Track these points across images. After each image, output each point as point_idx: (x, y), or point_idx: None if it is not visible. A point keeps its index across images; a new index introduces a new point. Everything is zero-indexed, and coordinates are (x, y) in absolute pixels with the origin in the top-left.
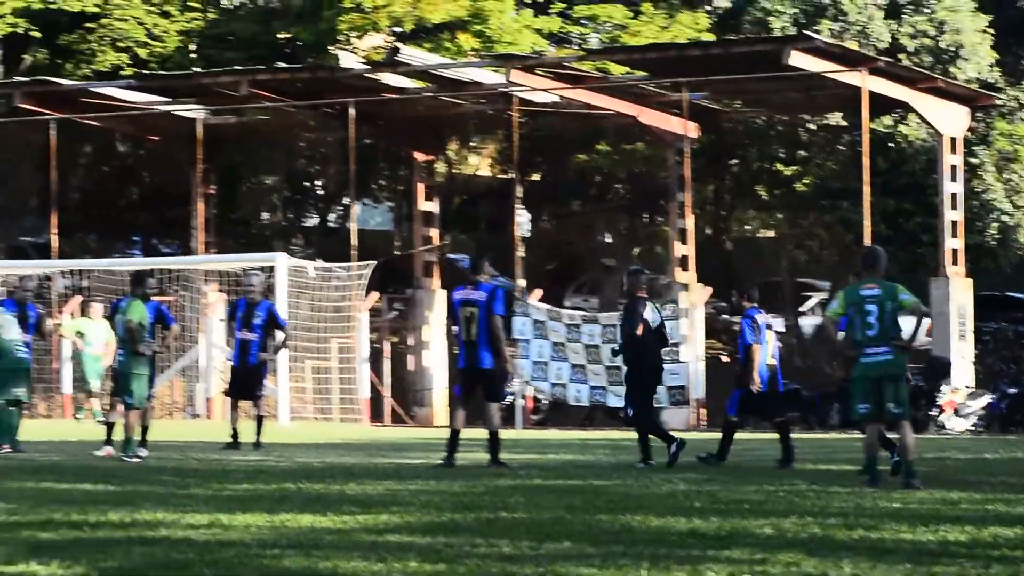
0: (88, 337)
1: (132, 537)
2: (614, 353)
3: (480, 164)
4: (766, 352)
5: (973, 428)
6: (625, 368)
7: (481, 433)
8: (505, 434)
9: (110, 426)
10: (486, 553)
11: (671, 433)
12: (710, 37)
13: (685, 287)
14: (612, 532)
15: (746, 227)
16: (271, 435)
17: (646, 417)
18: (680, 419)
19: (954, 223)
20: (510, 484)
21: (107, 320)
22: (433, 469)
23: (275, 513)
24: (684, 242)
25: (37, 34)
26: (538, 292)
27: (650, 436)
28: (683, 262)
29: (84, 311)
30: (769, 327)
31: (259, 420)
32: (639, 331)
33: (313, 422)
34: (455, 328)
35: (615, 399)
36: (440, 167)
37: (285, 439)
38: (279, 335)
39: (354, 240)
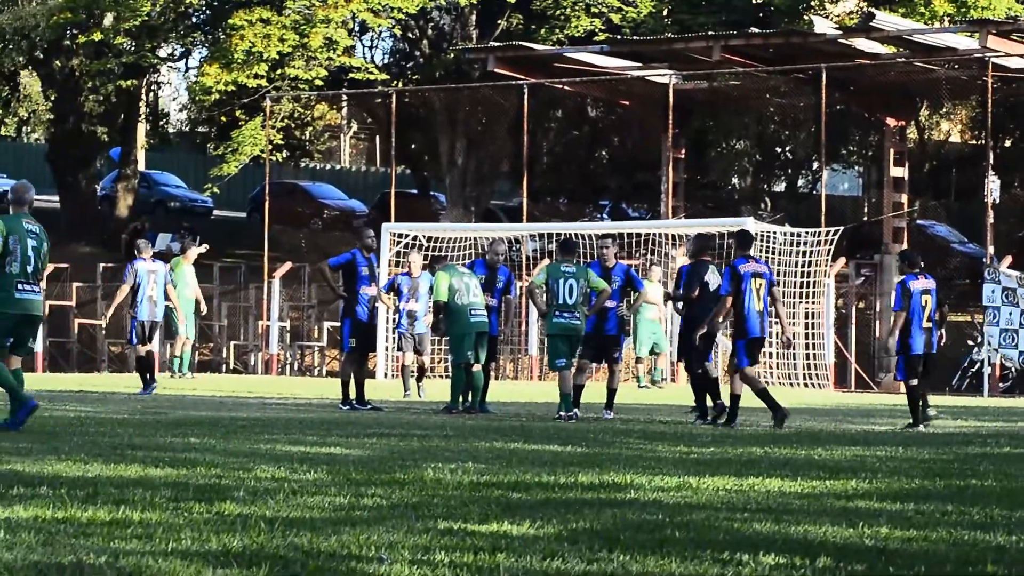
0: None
1: (602, 498)
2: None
3: (951, 130)
4: (922, 316)
5: None
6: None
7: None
8: (973, 401)
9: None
10: (957, 520)
11: (717, 400)
12: None
13: None
14: None
15: None
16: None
17: (698, 374)
18: None
19: None
20: (979, 452)
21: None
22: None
23: (743, 477)
24: None
25: (512, 0)
26: (1008, 259)
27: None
28: None
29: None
30: (927, 292)
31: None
32: (695, 293)
33: (778, 387)
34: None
35: None
36: (911, 133)
37: (752, 404)
38: None
39: (823, 205)
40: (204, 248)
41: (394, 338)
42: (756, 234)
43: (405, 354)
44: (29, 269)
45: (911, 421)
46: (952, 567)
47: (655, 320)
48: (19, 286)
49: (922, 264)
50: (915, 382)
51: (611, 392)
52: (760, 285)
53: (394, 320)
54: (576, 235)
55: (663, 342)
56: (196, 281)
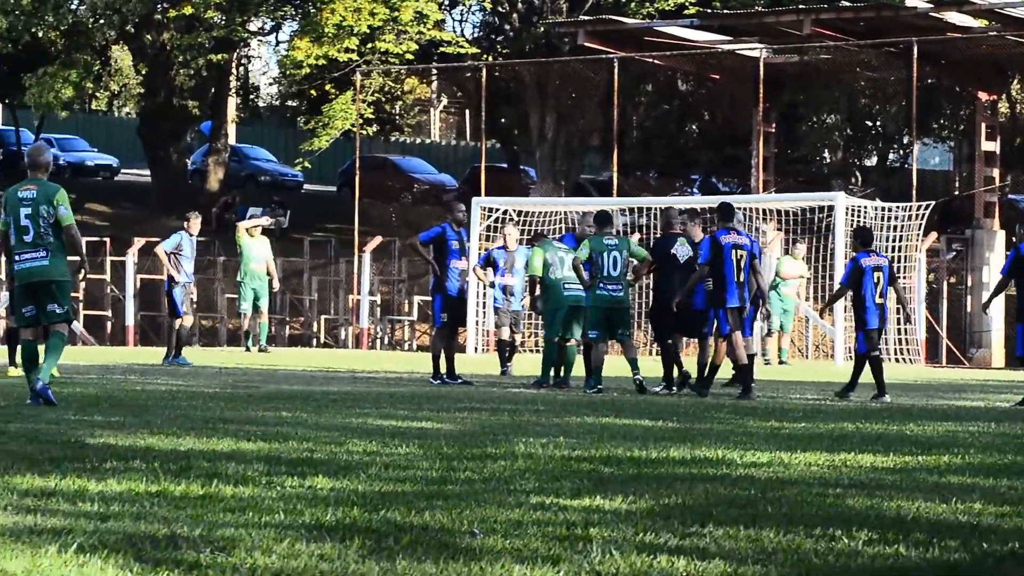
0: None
1: (694, 474)
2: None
3: None
4: (874, 292)
5: None
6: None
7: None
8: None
9: (678, 365)
10: None
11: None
12: None
13: None
14: None
15: None
16: (826, 374)
17: (662, 342)
18: None
19: None
20: None
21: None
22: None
23: (835, 452)
24: None
25: None
26: None
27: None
28: None
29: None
30: (878, 269)
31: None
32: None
33: None
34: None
35: None
36: (1002, 106)
37: (840, 379)
38: None
39: (914, 179)
40: (266, 220)
41: (486, 313)
42: (847, 208)
43: (501, 329)
44: (27, 239)
45: (876, 393)
46: None
47: (790, 297)
48: (17, 257)
49: (875, 242)
50: (876, 354)
51: (701, 367)
52: (741, 256)
53: (488, 294)
54: (611, 208)
55: (789, 322)
56: (268, 252)
